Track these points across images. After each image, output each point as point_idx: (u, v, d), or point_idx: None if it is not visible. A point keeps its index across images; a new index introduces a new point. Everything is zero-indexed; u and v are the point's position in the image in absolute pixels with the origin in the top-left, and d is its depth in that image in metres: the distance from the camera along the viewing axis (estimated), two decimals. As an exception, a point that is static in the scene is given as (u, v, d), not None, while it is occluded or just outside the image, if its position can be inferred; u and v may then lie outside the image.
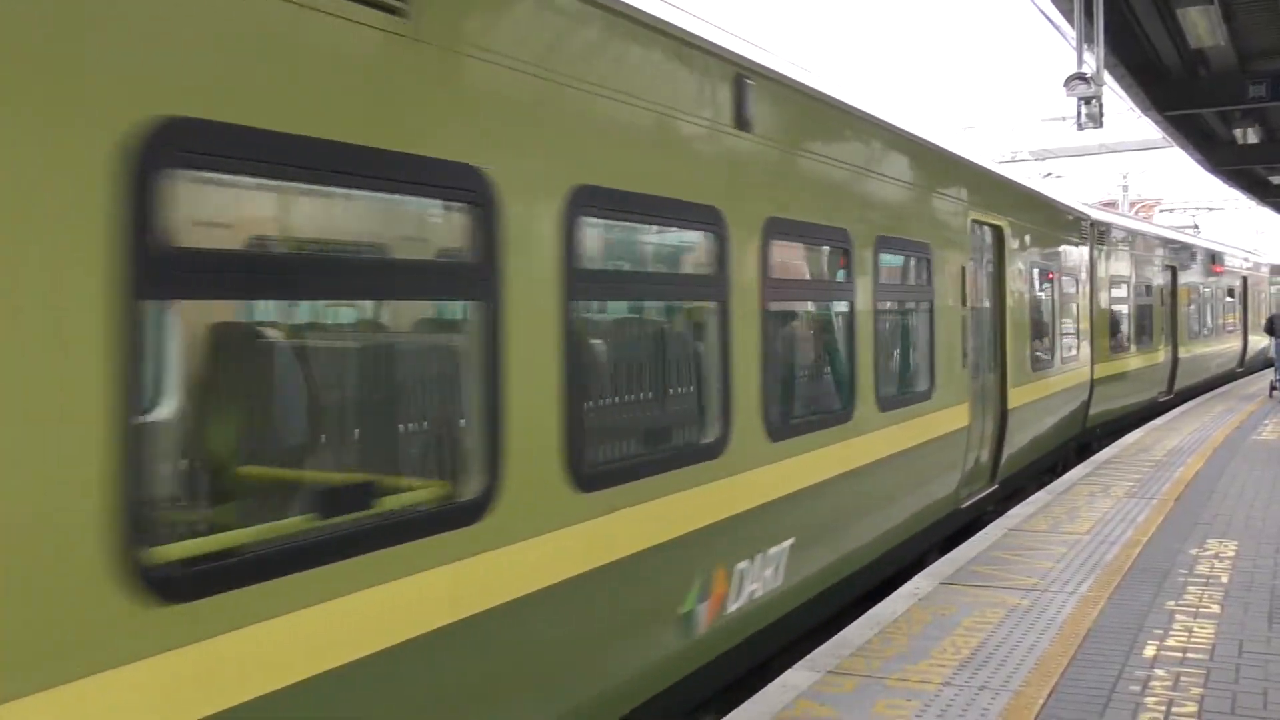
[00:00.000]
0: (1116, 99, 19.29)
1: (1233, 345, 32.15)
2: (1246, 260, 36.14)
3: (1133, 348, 20.48)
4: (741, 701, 6.24)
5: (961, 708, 5.91)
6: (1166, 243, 24.52)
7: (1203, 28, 15.62)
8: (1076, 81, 15.45)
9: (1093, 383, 17.51)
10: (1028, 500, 12.10)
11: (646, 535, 5.68)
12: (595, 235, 5.57)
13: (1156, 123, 21.38)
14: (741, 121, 6.61)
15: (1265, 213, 42.15)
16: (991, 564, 9.10)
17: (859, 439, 8.19)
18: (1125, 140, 36.31)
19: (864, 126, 8.80)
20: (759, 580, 6.83)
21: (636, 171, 5.73)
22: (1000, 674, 6.43)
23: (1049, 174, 35.09)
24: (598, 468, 5.46)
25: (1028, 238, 13.95)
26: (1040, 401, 14.05)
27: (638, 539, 5.63)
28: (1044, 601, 7.94)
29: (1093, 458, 15.36)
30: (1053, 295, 15.22)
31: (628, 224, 6.14)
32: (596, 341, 5.86)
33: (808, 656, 6.80)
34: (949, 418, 10.42)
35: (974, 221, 11.58)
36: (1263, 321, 32.85)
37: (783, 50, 7.60)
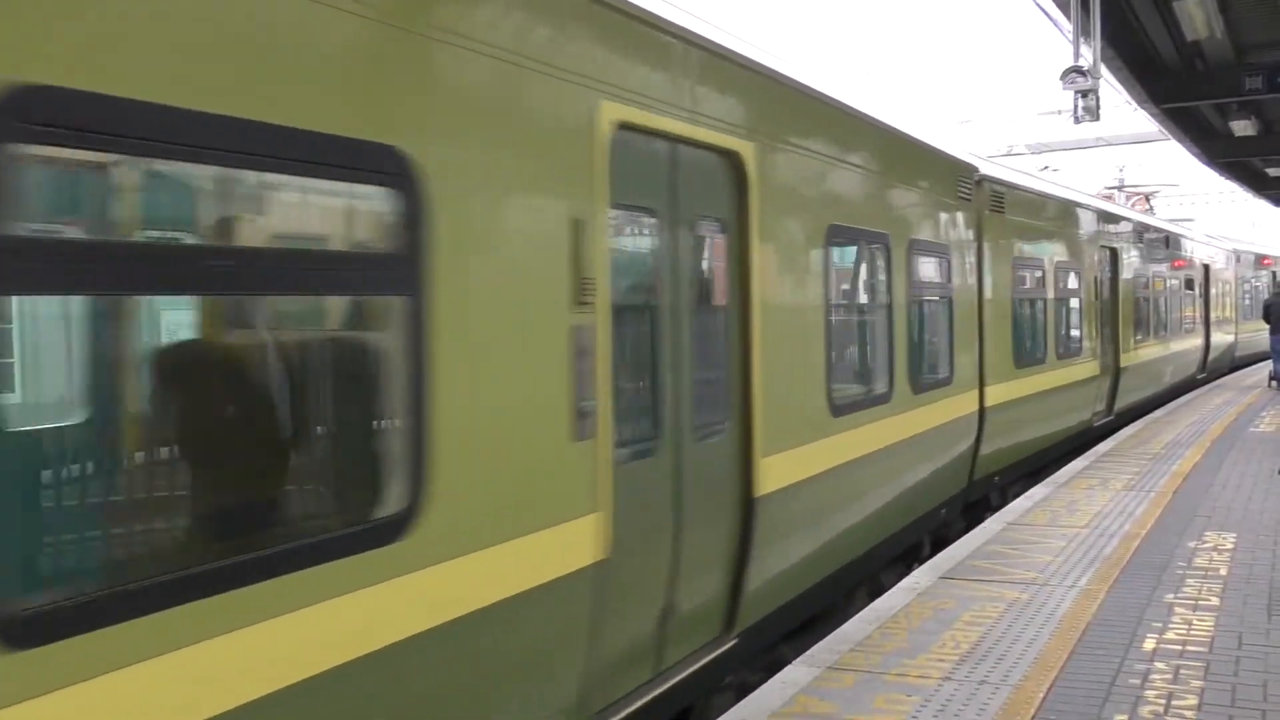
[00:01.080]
0: (1113, 92, 19.30)
1: (1192, 346, 26.61)
2: (1209, 245, 31.06)
3: (1052, 358, 14.79)
4: (742, 698, 6.24)
5: (961, 702, 5.91)
6: (1103, 217, 18.57)
7: (1199, 20, 15.61)
8: (1073, 75, 15.45)
9: (982, 414, 11.98)
10: (1026, 494, 12.10)
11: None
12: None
13: (1153, 116, 21.38)
14: None
15: (1261, 204, 42.15)
16: (990, 558, 9.10)
17: None
18: (1122, 133, 36.31)
19: None
20: None
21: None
22: (1000, 668, 6.43)
23: (1045, 167, 35.05)
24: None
25: (825, 180, 8.19)
26: (850, 468, 8.33)
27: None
28: (1043, 596, 7.94)
29: (1090, 450, 15.36)
30: (857, 286, 9.35)
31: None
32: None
33: (807, 652, 6.80)
34: None
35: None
36: (1223, 316, 30.43)
37: (758, 37, 7.36)
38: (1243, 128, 21.75)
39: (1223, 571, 8.55)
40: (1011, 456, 13.31)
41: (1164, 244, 23.30)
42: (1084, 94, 15.74)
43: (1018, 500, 11.75)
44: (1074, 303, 16.43)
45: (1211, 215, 52.62)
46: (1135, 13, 16.60)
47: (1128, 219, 20.94)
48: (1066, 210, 16.47)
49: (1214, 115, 22.84)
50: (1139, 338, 20.27)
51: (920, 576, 8.54)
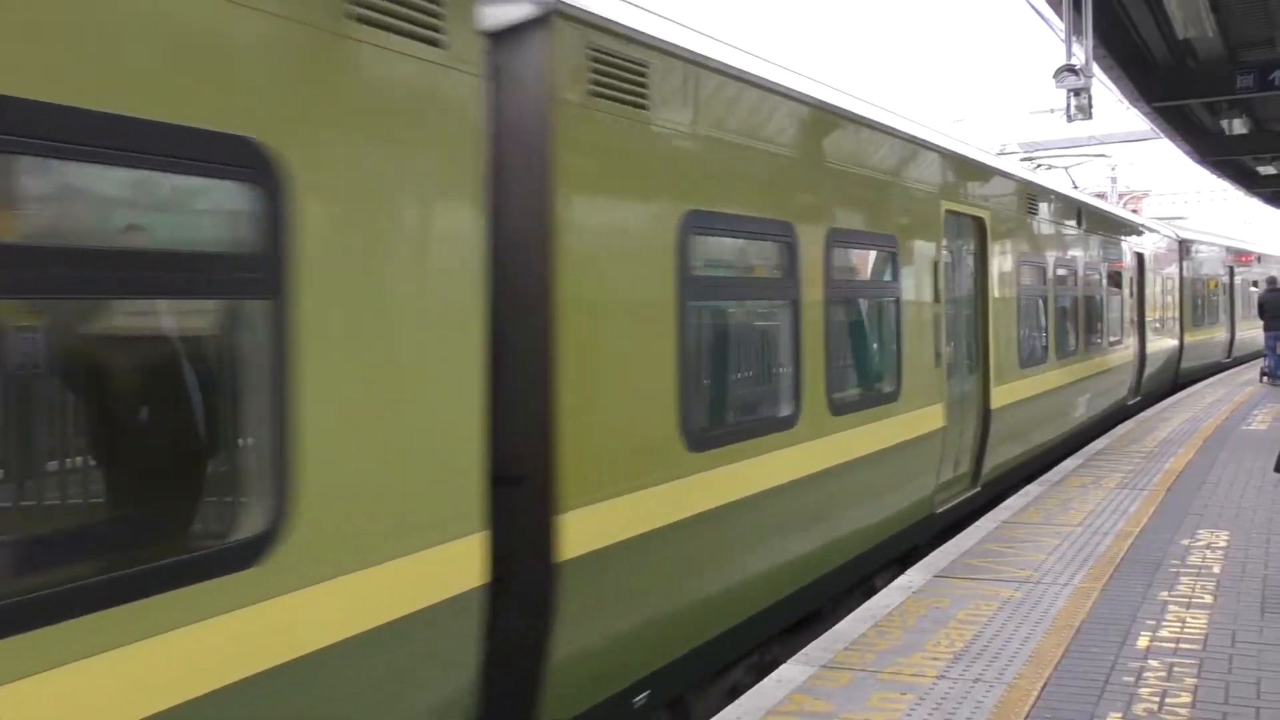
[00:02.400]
0: (1105, 91, 19.33)
1: (1117, 363, 19.26)
2: (1144, 229, 23.28)
3: (816, 418, 7.98)
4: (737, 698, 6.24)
5: (956, 701, 5.91)
6: (952, 166, 11.22)
7: (1189, 17, 15.64)
8: (1066, 73, 15.46)
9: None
10: (1020, 492, 12.11)
11: None
12: None
13: (1145, 114, 21.40)
14: None
15: (1253, 202, 42.22)
16: (984, 556, 9.11)
17: None
18: (1114, 132, 36.32)
19: None
20: None
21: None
22: (994, 666, 6.43)
23: (1038, 165, 35.09)
24: None
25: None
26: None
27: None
28: (1037, 594, 7.95)
29: (1084, 449, 15.38)
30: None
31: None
32: None
33: (801, 651, 6.79)
34: None
35: None
36: (1163, 317, 24.19)
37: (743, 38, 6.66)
38: (1234, 126, 21.80)
39: (1216, 569, 8.56)
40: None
41: (1071, 220, 16.39)
42: (1077, 92, 15.76)
43: (1012, 498, 11.76)
44: (880, 314, 9.49)
45: (1203, 214, 52.74)
46: (1127, 11, 16.63)
47: (1003, 175, 13.42)
48: (903, 154, 10.02)
49: (1205, 114, 22.88)
50: (1025, 359, 13.51)
51: (914, 575, 8.54)
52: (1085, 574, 8.46)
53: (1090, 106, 15.86)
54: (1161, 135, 24.65)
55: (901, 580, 8.41)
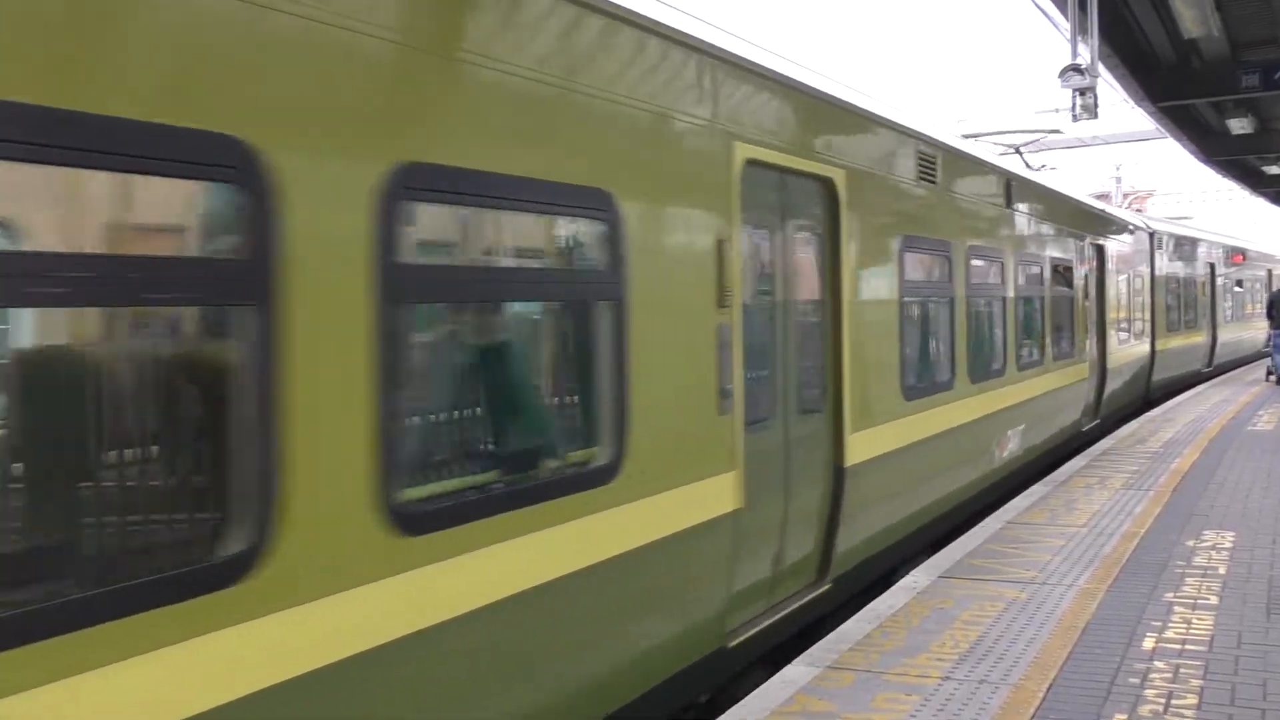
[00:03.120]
0: (1110, 90, 19.33)
1: (1070, 377, 15.59)
2: (1106, 217, 19.23)
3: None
4: (741, 697, 6.22)
5: (961, 702, 5.90)
6: (800, 106, 7.74)
7: (1196, 16, 15.63)
8: (1071, 73, 15.45)
9: None
10: (1025, 493, 12.09)
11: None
12: None
13: (1150, 114, 21.40)
14: None
15: (1259, 202, 42.18)
16: (989, 557, 9.10)
17: None
18: (1118, 132, 36.29)
19: None
20: None
21: None
22: (999, 668, 6.42)
23: (1042, 165, 35.08)
24: None
25: None
26: None
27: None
28: (1042, 594, 7.93)
29: (1089, 449, 15.35)
30: None
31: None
32: None
33: (806, 652, 6.79)
34: None
35: None
36: (1127, 325, 19.90)
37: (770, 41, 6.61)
38: (1239, 125, 21.77)
39: (1222, 570, 8.55)
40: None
41: (995, 197, 12.35)
42: (1082, 92, 15.74)
43: (1016, 499, 11.73)
44: (568, 332, 6.04)
45: (1209, 214, 52.71)
46: (1132, 10, 16.61)
47: (874, 121, 9.07)
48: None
49: (1210, 113, 22.86)
50: (914, 388, 9.70)
51: (919, 576, 8.53)
52: (1090, 575, 8.45)
53: (1095, 106, 15.84)
54: (1166, 135, 24.64)
55: (906, 581, 8.40)
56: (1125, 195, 48.35)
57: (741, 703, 5.99)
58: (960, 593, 8.01)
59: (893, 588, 8.26)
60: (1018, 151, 18.11)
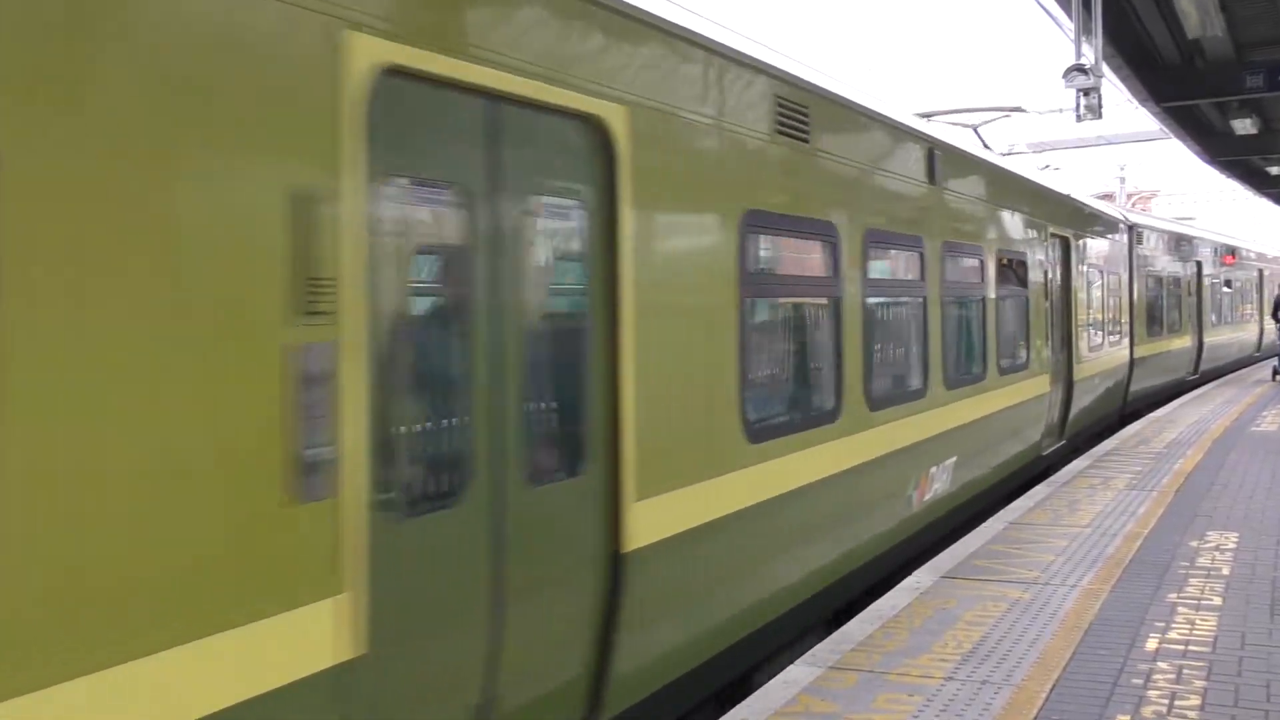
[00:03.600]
0: (1114, 91, 19.31)
1: (1022, 393, 13.07)
2: (1072, 205, 16.59)
3: None
4: (743, 698, 6.22)
5: (964, 703, 5.89)
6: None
7: (1200, 16, 15.61)
8: (1075, 73, 15.44)
9: None
10: (1028, 494, 12.07)
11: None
12: None
13: (1154, 114, 21.38)
14: None
15: (1263, 203, 42.12)
16: (992, 557, 9.09)
17: None
18: (1122, 132, 36.26)
19: None
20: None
21: None
22: (1002, 668, 6.41)
23: (1046, 166, 35.05)
24: None
25: None
26: None
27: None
28: (1045, 595, 7.92)
29: (1093, 450, 15.33)
30: None
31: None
32: None
33: (809, 652, 6.78)
34: None
35: None
36: (1099, 330, 17.70)
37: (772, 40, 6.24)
38: (1243, 126, 21.75)
39: (1225, 571, 8.53)
40: None
41: (911, 170, 9.86)
42: (1086, 92, 15.73)
43: (1020, 499, 11.72)
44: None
45: (1213, 215, 52.67)
46: (1136, 10, 16.60)
47: (717, 52, 6.57)
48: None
49: (1214, 114, 22.84)
50: (765, 425, 7.11)
51: (922, 576, 8.52)
52: (1093, 575, 8.43)
53: (1100, 106, 15.83)
54: (1170, 135, 24.62)
55: (909, 581, 8.39)
56: (1129, 195, 48.33)
57: (743, 703, 5.98)
58: (963, 593, 8.00)
59: (895, 588, 8.25)
60: (979, 135, 14.21)
